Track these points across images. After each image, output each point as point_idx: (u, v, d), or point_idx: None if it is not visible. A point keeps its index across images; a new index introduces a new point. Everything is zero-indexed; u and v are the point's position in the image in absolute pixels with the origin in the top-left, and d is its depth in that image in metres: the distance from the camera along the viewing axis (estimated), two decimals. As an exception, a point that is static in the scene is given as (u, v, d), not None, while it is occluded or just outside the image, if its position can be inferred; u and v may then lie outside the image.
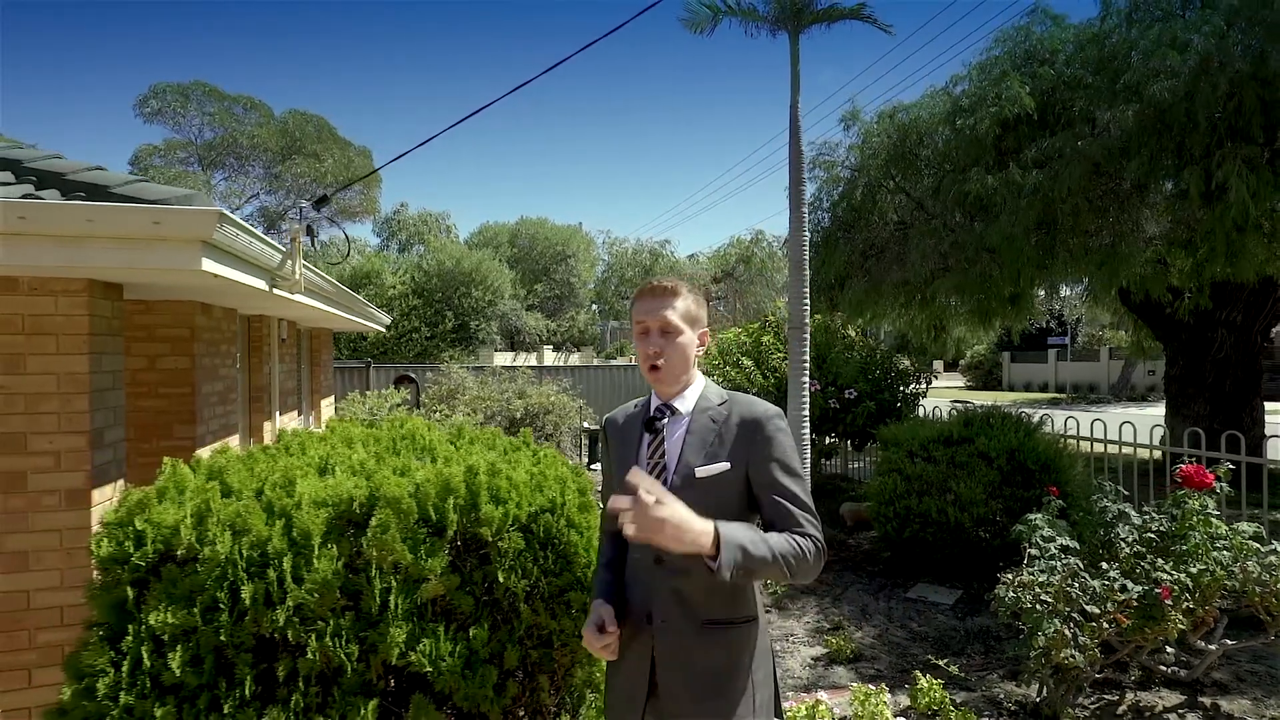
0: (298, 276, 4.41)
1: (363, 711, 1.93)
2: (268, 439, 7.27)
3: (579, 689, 2.23)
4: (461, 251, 19.76)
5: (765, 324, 9.50)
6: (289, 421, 8.47)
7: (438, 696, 2.04)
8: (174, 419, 5.03)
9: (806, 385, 6.23)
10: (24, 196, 3.13)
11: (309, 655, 1.91)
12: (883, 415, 7.34)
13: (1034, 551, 3.66)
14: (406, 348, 18.44)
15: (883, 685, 3.65)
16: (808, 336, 6.29)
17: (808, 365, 6.26)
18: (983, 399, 9.66)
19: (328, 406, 11.72)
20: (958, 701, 3.70)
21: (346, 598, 1.99)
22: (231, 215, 3.18)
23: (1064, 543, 3.55)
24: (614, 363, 19.76)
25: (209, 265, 3.18)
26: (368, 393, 9.13)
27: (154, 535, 1.96)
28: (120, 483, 4.03)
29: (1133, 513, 3.79)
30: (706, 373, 8.05)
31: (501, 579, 2.08)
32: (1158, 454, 6.18)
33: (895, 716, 3.58)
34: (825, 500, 7.98)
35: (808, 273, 6.32)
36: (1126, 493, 4.08)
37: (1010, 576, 3.61)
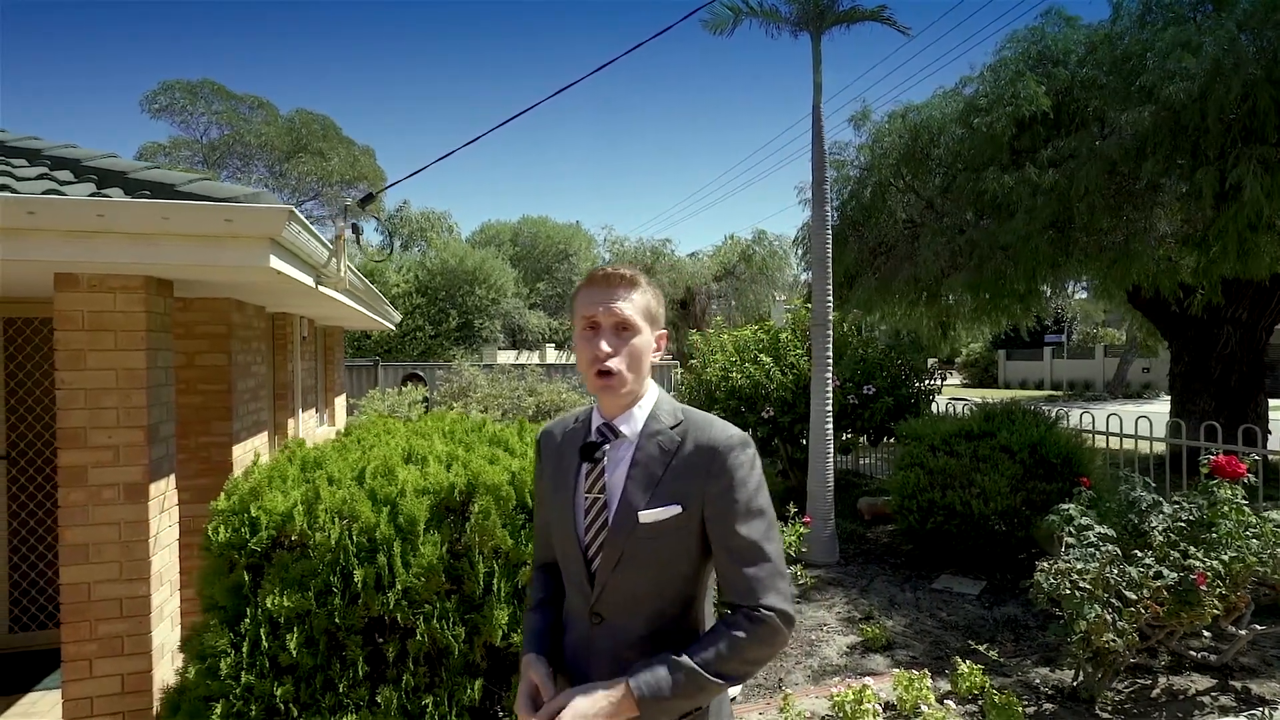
0: (342, 274, 4.47)
1: (469, 691, 2.01)
2: (291, 436, 7.33)
3: None
4: (465, 250, 19.82)
5: (762, 324, 9.61)
6: (308, 419, 8.52)
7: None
8: (211, 415, 5.07)
9: (830, 381, 6.34)
10: (91, 195, 3.19)
11: (418, 637, 1.99)
12: (900, 411, 7.46)
13: (1071, 540, 3.77)
14: (411, 346, 18.49)
15: (925, 671, 3.75)
16: (830, 332, 6.40)
17: (831, 361, 6.37)
18: (979, 396, 9.79)
19: (340, 404, 11.76)
20: (995, 686, 3.80)
21: (450, 581, 2.07)
22: (297, 213, 3.25)
23: (1102, 530, 3.66)
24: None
25: (274, 262, 3.25)
26: (388, 390, 9.19)
27: (267, 521, 2.04)
28: (172, 477, 4.09)
29: (1164, 502, 3.91)
30: (725, 370, 8.14)
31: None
32: (1161, 448, 6.31)
33: (937, 701, 3.68)
34: (842, 495, 8.09)
35: (830, 269, 6.43)
36: (1154, 484, 4.19)
37: (1047, 564, 3.72)
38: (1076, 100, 7.14)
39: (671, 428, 1.43)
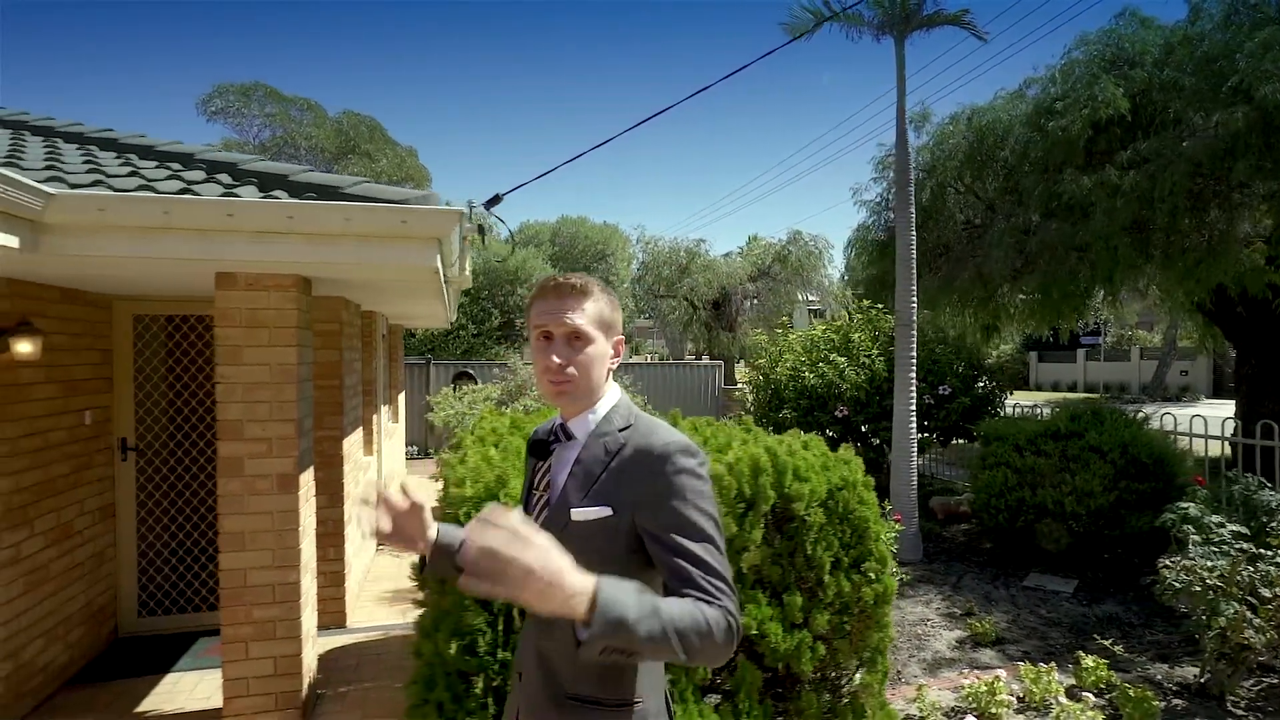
0: (467, 273, 4.63)
1: (703, 671, 2.11)
2: (374, 431, 7.51)
3: (872, 652, 2.41)
4: (506, 250, 20.03)
5: (830, 324, 9.67)
6: (384, 414, 8.70)
7: (754, 656, 2.23)
8: (325, 410, 5.24)
9: (914, 381, 6.40)
10: (264, 198, 3.34)
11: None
12: (976, 412, 7.50)
13: (1197, 538, 3.81)
14: (454, 345, 18.73)
15: (1051, 665, 3.82)
16: (914, 333, 6.46)
17: (915, 361, 6.43)
18: (1012, 399, 9.79)
19: (402, 401, 11.98)
20: (1118, 682, 3.86)
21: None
22: (465, 213, 3.38)
23: (1236, 528, 3.70)
24: (692, 361, 20.00)
25: (438, 262, 3.39)
26: (466, 388, 9.37)
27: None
28: (312, 469, 4.25)
29: (1287, 502, 3.94)
30: (795, 370, 8.21)
31: (809, 550, 2.26)
32: (1218, 448, 6.30)
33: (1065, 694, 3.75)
34: (909, 494, 8.13)
35: (915, 271, 6.49)
36: (1269, 484, 4.22)
37: (1174, 561, 3.77)
38: (1155, 102, 7.14)
39: (620, 430, 1.43)
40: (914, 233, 6.53)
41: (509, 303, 19.77)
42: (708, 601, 1.23)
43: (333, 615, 5.13)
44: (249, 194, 3.37)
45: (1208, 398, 28.57)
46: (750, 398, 9.05)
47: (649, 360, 23.11)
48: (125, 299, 4.90)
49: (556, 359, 1.40)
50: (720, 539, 1.34)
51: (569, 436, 1.46)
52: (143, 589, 4.98)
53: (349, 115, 18.19)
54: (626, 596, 1.14)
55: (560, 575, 1.08)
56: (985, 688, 3.61)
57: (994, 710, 3.56)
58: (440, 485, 3.31)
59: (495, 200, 6.23)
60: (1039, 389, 36.70)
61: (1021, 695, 3.74)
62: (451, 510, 2.31)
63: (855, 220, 12.16)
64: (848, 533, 2.32)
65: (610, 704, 1.35)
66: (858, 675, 2.41)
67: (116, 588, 4.89)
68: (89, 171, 3.38)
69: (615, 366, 1.49)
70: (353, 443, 5.94)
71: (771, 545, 2.26)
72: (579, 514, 1.36)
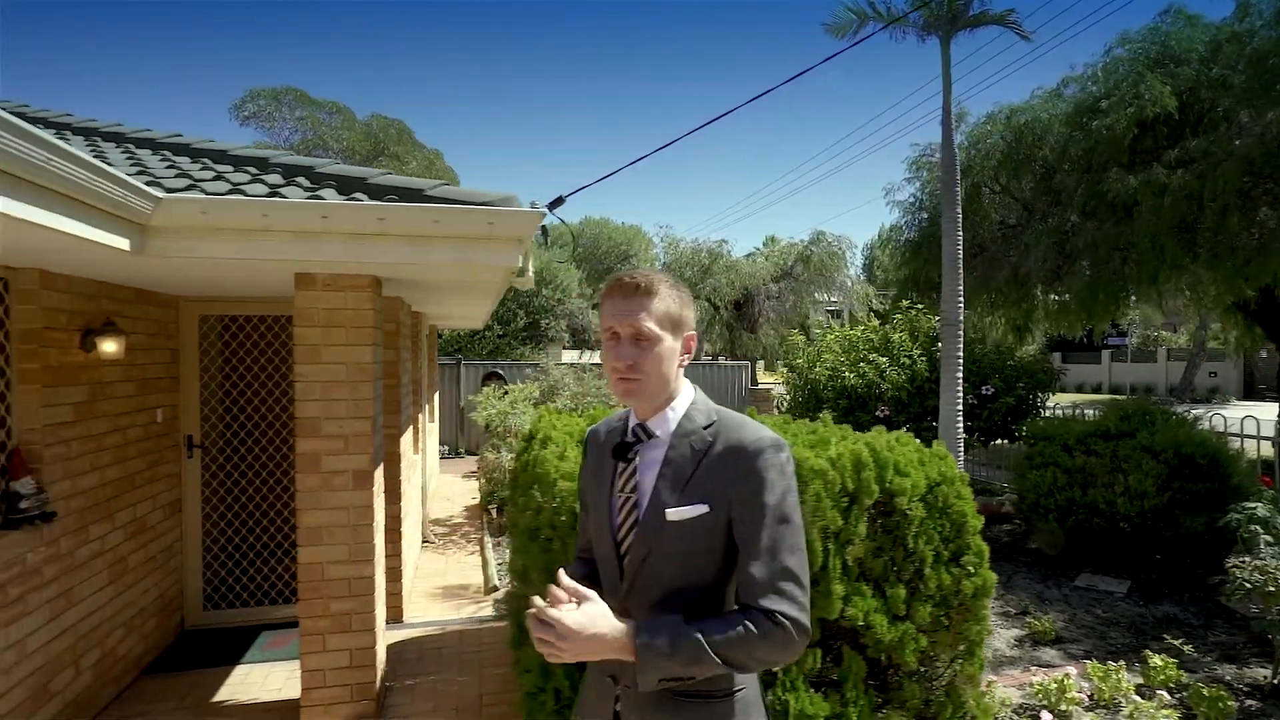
0: (530, 273, 4.69)
1: (812, 661, 2.16)
2: (420, 430, 7.61)
3: (970, 644, 2.45)
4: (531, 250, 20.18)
5: (869, 324, 9.67)
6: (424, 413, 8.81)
7: (858, 647, 2.27)
8: (385, 409, 5.32)
9: (960, 381, 6.41)
10: (353, 201, 3.41)
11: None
12: (1019, 412, 7.48)
13: (1268, 538, 3.81)
14: (480, 345, 18.87)
15: (1120, 663, 3.82)
16: (961, 333, 6.47)
17: (961, 361, 6.44)
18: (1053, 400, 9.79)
19: (436, 401, 12.11)
20: (1188, 682, 3.86)
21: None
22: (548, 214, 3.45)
23: (1311, 528, 3.69)
24: (722, 361, 20.03)
25: (520, 261, 3.45)
26: (508, 387, 9.48)
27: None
28: (383, 465, 4.33)
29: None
30: (835, 369, 8.23)
31: (910, 544, 2.30)
32: (1267, 450, 6.27)
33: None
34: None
35: (961, 271, 6.50)
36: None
37: (1244, 561, 3.77)
38: (1202, 100, 7.10)
39: (704, 428, 1.44)
40: (960, 233, 6.53)
41: (534, 304, 19.90)
42: (767, 613, 1.30)
43: (391, 610, 5.22)
44: (331, 197, 3.45)
45: (1238, 399, 28.20)
46: (787, 397, 9.08)
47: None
48: (192, 300, 5.01)
49: (623, 359, 1.41)
50: (801, 534, 1.39)
51: (649, 436, 1.47)
52: (206, 583, 5.09)
53: (377, 118, 18.44)
54: (661, 637, 1.28)
55: (600, 640, 1.28)
56: (1056, 685, 3.63)
57: (1064, 708, 3.58)
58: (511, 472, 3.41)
59: (558, 202, 6.32)
60: (1063, 390, 36.36)
61: (1091, 694, 3.75)
62: (548, 497, 2.36)
63: (881, 221, 12.03)
64: (947, 526, 2.36)
65: (719, 694, 1.40)
66: (956, 666, 2.44)
67: (183, 581, 5.01)
68: (177, 176, 3.48)
69: (686, 363, 1.48)
70: (405, 441, 6.04)
71: (874, 539, 2.30)
72: (674, 514, 1.38)
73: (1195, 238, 6.88)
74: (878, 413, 7.69)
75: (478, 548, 7.07)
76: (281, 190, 3.39)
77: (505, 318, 19.18)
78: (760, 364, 25.84)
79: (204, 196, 2.91)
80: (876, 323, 9.15)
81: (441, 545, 7.26)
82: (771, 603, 1.30)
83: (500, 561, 6.40)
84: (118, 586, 4.10)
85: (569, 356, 22.42)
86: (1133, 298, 8.46)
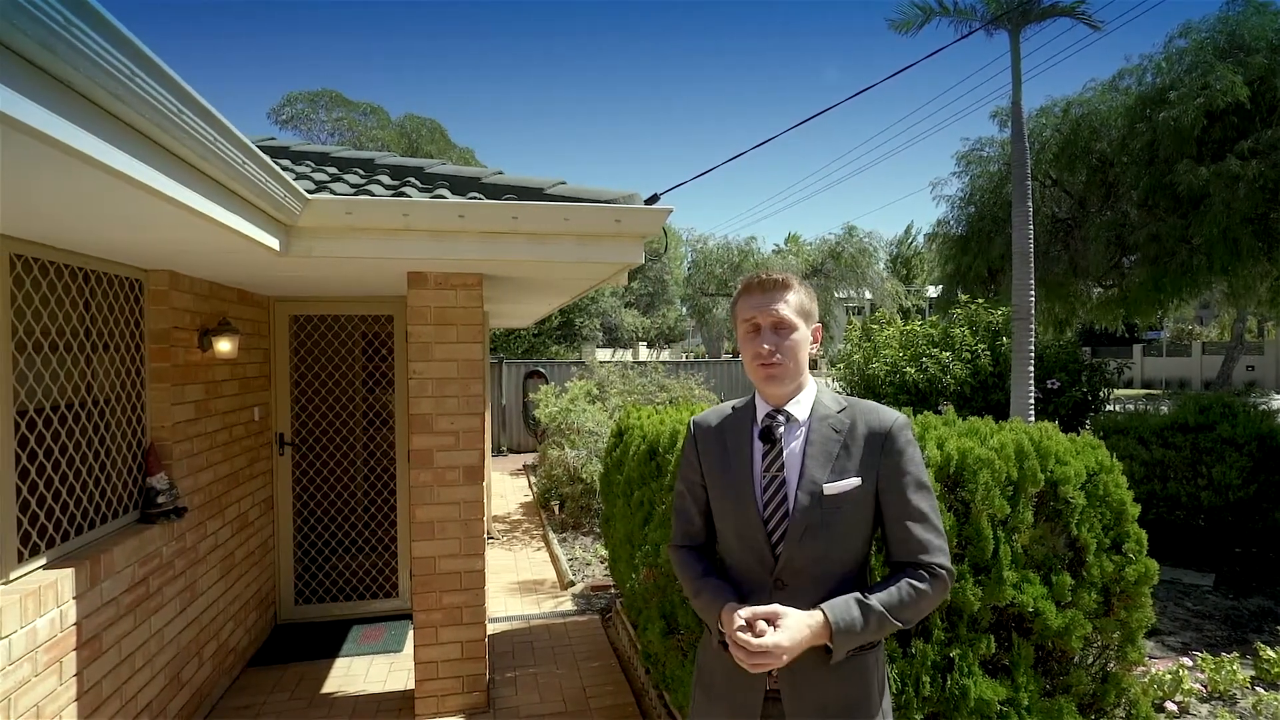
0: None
1: (984, 646, 2.18)
2: (485, 426, 7.68)
3: (1133, 631, 2.46)
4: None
5: (929, 320, 9.64)
6: (482, 412, 8.89)
7: (1024, 632, 2.29)
8: (471, 405, 5.38)
9: (1031, 374, 6.38)
10: (491, 200, 3.44)
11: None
12: (1086, 406, 7.43)
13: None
14: (515, 344, 18.97)
15: (1234, 655, 3.80)
16: (1033, 326, 6.44)
17: (1033, 354, 6.41)
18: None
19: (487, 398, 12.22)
20: (1298, 675, 3.83)
21: (958, 546, 2.25)
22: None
23: None
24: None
25: (641, 258, 3.49)
26: (567, 385, 9.56)
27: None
28: (489, 460, 4.40)
29: None
30: (892, 364, 8.22)
31: (1074, 532, 2.32)
32: None
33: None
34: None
35: (1032, 264, 6.46)
36: None
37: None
38: (1275, 90, 7.00)
39: (838, 411, 1.60)
40: (1030, 226, 6.50)
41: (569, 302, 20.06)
42: (925, 570, 1.50)
43: (478, 604, 5.28)
44: (446, 196, 3.50)
45: (1277, 392, 27.71)
46: (842, 392, 9.06)
47: (716, 358, 23.17)
48: (284, 300, 5.11)
49: (766, 346, 1.56)
50: (934, 498, 1.58)
51: (789, 419, 1.60)
52: (298, 578, 5.19)
53: (411, 118, 18.60)
54: (849, 618, 1.45)
55: (805, 642, 1.43)
56: (1170, 677, 3.62)
57: (1180, 699, 3.57)
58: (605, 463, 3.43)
59: (653, 200, 6.33)
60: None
61: (1205, 684, 3.74)
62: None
63: (936, 214, 11.95)
64: (1107, 514, 2.37)
65: (870, 645, 1.56)
66: (1116, 653, 2.46)
67: (276, 576, 5.11)
68: (297, 179, 3.54)
69: (816, 352, 1.63)
70: (486, 438, 6.11)
71: (1037, 526, 2.32)
72: (831, 488, 1.52)
73: (1268, 228, 6.80)
74: (939, 408, 7.66)
75: (542, 543, 7.13)
76: (404, 190, 3.45)
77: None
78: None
79: (349, 197, 2.97)
80: (917, 320, 9.10)
81: (506, 541, 7.33)
82: (932, 556, 1.50)
83: (571, 557, 6.46)
84: (227, 580, 4.20)
85: (602, 355, 22.51)
86: (1203, 291, 8.36)
